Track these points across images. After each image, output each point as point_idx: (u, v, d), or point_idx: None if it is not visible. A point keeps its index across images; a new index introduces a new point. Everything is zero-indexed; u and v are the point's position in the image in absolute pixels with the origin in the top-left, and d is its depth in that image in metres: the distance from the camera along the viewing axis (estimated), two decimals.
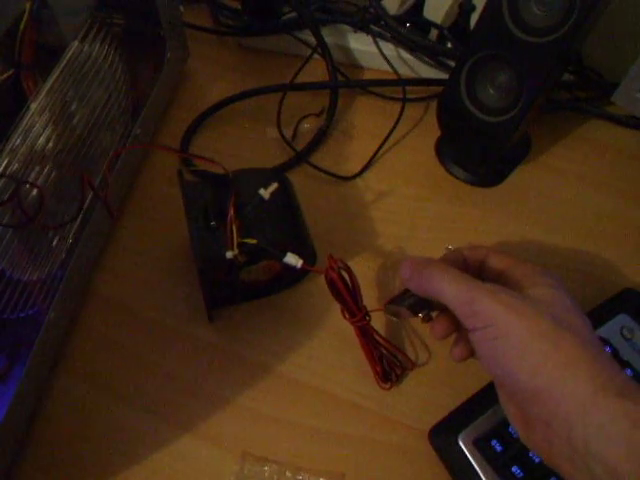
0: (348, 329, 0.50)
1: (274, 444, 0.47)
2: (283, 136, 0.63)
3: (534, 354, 0.34)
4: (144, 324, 0.52)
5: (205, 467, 0.46)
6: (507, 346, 0.35)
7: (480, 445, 0.44)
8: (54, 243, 0.47)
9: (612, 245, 0.57)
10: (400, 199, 0.60)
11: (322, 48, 0.66)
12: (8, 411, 0.42)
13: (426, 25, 0.68)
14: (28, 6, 0.43)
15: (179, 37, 0.66)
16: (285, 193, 0.50)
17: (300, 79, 0.66)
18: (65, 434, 0.47)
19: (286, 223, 0.48)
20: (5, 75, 0.45)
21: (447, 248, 0.45)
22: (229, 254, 0.44)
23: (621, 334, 0.48)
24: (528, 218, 0.59)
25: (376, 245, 0.57)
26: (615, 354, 0.47)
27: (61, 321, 0.48)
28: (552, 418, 0.33)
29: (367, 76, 0.71)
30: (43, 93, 0.45)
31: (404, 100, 0.65)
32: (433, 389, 0.49)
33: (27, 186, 0.43)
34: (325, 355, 0.51)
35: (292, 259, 0.45)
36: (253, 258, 0.46)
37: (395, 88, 0.67)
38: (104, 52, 0.52)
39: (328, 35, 0.68)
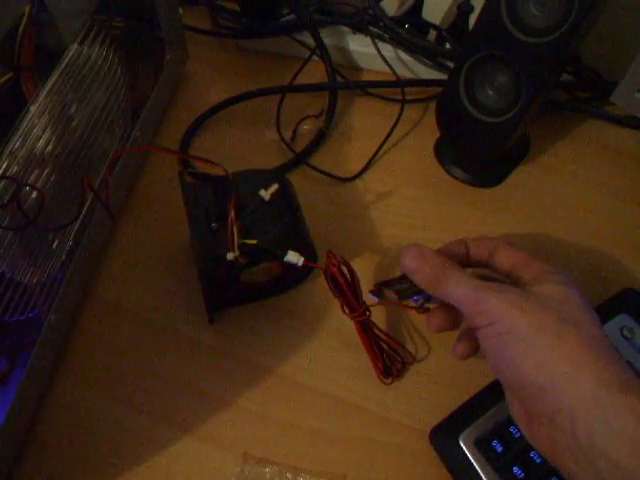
0: (348, 330, 0.51)
1: (275, 445, 0.47)
2: (282, 138, 0.63)
3: (538, 349, 0.34)
4: (144, 326, 0.52)
5: (206, 468, 0.46)
6: (511, 341, 0.35)
7: (481, 445, 0.44)
8: (54, 245, 0.47)
9: (612, 245, 0.57)
10: (399, 200, 0.60)
11: (321, 50, 0.66)
12: (8, 413, 0.42)
13: (425, 26, 0.68)
14: (27, 9, 0.43)
15: (178, 39, 0.66)
16: (285, 194, 0.50)
17: (299, 81, 0.66)
18: (65, 436, 0.47)
19: (286, 224, 0.48)
20: (4, 78, 0.45)
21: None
22: (230, 255, 0.44)
23: (621, 334, 0.48)
24: (527, 218, 0.59)
25: (375, 246, 0.57)
26: None
27: (61, 323, 0.48)
28: (556, 413, 0.33)
29: (366, 77, 0.71)
30: (42, 95, 0.45)
31: (403, 101, 0.65)
32: (434, 390, 0.49)
33: (27, 188, 0.43)
34: (325, 356, 0.51)
35: (293, 257, 0.45)
36: (254, 259, 0.46)
37: (394, 89, 0.67)
38: (103, 54, 0.52)
39: (327, 36, 0.68)
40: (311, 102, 0.67)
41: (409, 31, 0.67)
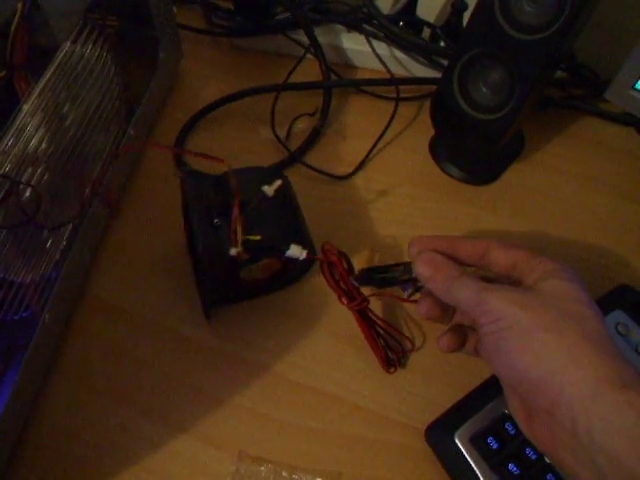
0: (343, 329, 0.51)
1: (270, 444, 0.47)
2: (277, 136, 0.63)
3: (538, 344, 0.34)
4: (139, 325, 0.52)
5: (201, 467, 0.46)
6: (512, 337, 0.35)
7: (476, 443, 0.44)
8: (48, 244, 0.47)
9: (607, 241, 0.57)
10: (394, 198, 0.60)
11: (315, 48, 0.66)
12: (3, 414, 0.41)
13: (419, 24, 0.69)
14: (20, 6, 0.43)
15: (172, 38, 0.66)
16: (286, 191, 0.50)
17: (293, 79, 0.66)
18: (61, 436, 0.47)
19: (286, 220, 0.49)
20: None
21: None
22: (233, 251, 0.44)
23: (616, 330, 0.48)
24: (522, 215, 0.59)
25: (370, 243, 0.57)
26: None
27: (56, 323, 0.48)
28: (555, 408, 0.33)
29: (360, 76, 0.71)
30: (35, 94, 0.45)
31: (397, 99, 0.65)
32: (429, 388, 0.49)
33: (21, 186, 0.43)
34: (321, 354, 0.51)
35: (296, 251, 0.45)
36: (256, 255, 0.46)
37: (388, 87, 0.67)
38: (97, 53, 0.52)
39: (321, 35, 0.68)
40: (306, 100, 0.66)
41: (403, 29, 0.67)
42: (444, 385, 0.49)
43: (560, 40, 0.49)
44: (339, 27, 0.71)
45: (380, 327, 0.49)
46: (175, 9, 0.65)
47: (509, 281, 0.40)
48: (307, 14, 0.68)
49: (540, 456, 0.43)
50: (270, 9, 0.71)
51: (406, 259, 0.44)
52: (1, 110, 0.44)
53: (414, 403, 0.48)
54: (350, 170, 0.61)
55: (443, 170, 0.62)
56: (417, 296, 0.45)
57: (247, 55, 0.73)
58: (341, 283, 0.46)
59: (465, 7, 0.65)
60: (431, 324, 0.44)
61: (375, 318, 0.48)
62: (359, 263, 0.54)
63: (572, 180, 0.62)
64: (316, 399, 0.49)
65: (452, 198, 0.60)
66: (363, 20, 0.69)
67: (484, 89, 0.55)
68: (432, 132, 0.63)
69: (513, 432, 0.44)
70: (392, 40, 0.68)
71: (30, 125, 0.45)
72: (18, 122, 0.44)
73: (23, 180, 0.44)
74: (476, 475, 0.43)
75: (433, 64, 0.68)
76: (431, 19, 0.67)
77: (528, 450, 0.43)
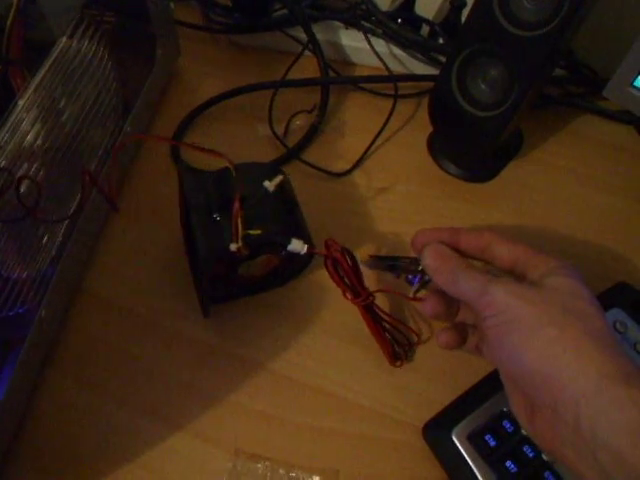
0: (341, 326, 0.51)
1: (267, 441, 0.47)
2: (275, 133, 0.63)
3: (541, 339, 0.34)
4: (136, 322, 0.52)
5: (198, 464, 0.46)
6: (515, 331, 0.35)
7: (474, 440, 0.44)
8: (44, 240, 0.47)
9: (605, 239, 0.57)
10: (392, 195, 0.60)
11: (313, 45, 0.66)
12: None
13: (417, 21, 0.68)
14: (15, 1, 0.43)
15: (170, 34, 0.66)
16: (285, 187, 0.50)
17: (291, 76, 0.66)
18: (56, 433, 0.47)
19: (286, 216, 0.48)
20: None
21: None
22: (233, 246, 0.44)
23: (614, 328, 0.48)
24: (520, 213, 0.59)
25: (368, 241, 0.56)
26: None
27: (52, 319, 0.48)
28: (558, 404, 0.33)
29: (359, 72, 0.71)
30: (31, 89, 0.45)
31: (396, 96, 0.65)
32: (427, 385, 0.49)
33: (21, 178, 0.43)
34: (318, 352, 0.51)
35: (297, 245, 0.45)
36: (256, 250, 0.46)
37: (387, 84, 0.67)
38: (93, 48, 0.52)
39: (319, 32, 0.68)
40: (303, 97, 0.66)
41: (402, 26, 0.67)
42: (442, 383, 0.49)
43: (559, 37, 0.49)
44: (337, 24, 0.71)
45: (386, 322, 0.49)
46: (173, 5, 0.65)
47: (512, 276, 0.41)
48: (305, 11, 0.67)
49: (538, 454, 0.43)
50: (268, 6, 0.71)
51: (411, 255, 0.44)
52: None
53: (412, 401, 0.48)
54: (348, 167, 0.61)
55: (441, 167, 0.62)
56: (423, 293, 0.45)
57: (245, 52, 0.73)
58: (345, 279, 0.46)
59: (464, 4, 0.65)
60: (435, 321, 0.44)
61: (381, 313, 0.48)
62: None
63: (571, 178, 0.62)
64: (313, 396, 0.49)
65: (450, 195, 0.60)
66: (361, 17, 0.68)
67: (482, 86, 0.55)
68: (430, 129, 0.62)
69: (511, 430, 0.44)
70: (390, 37, 0.68)
71: (26, 120, 0.45)
72: (14, 117, 0.44)
73: (20, 175, 0.44)
74: (473, 472, 0.43)
75: (431, 61, 0.67)
76: (430, 16, 0.67)
77: (526, 447, 0.43)
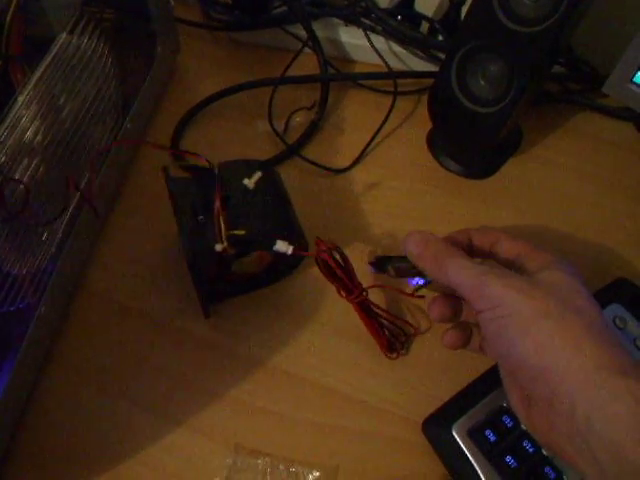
0: (340, 321, 0.51)
1: (267, 437, 0.47)
2: (274, 130, 0.63)
3: (539, 332, 0.34)
4: (136, 319, 0.52)
5: (198, 460, 0.46)
6: (513, 324, 0.35)
7: (474, 435, 0.44)
8: (44, 237, 0.47)
9: (604, 235, 0.57)
10: (392, 191, 0.60)
11: (313, 42, 0.66)
12: None
13: (417, 18, 0.68)
14: None
15: (170, 32, 0.66)
16: (271, 183, 0.50)
17: (291, 73, 0.66)
18: (56, 429, 0.47)
19: (274, 213, 0.48)
20: None
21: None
22: (218, 247, 0.44)
23: (614, 323, 0.48)
24: (520, 209, 0.59)
25: (368, 237, 0.56)
26: None
27: (52, 315, 0.48)
28: (555, 396, 0.33)
29: (358, 69, 0.71)
30: (31, 85, 0.45)
31: (395, 93, 0.65)
32: (427, 381, 0.49)
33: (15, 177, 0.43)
34: (318, 347, 0.51)
35: (282, 246, 0.45)
36: (243, 249, 0.46)
37: (386, 81, 0.67)
38: (93, 45, 0.52)
39: (319, 29, 0.68)
40: (303, 94, 0.66)
41: (401, 23, 0.67)
42: (442, 378, 0.49)
43: (558, 32, 0.49)
44: (337, 21, 0.70)
45: (381, 317, 0.49)
46: (172, 2, 0.64)
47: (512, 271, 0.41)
48: (305, 8, 0.67)
49: (538, 449, 0.43)
50: (268, 3, 0.71)
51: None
52: None
53: (412, 396, 0.48)
54: (348, 164, 0.61)
55: (441, 164, 0.62)
56: (421, 292, 0.45)
57: (245, 49, 0.73)
58: (338, 277, 0.46)
59: (463, 1, 0.65)
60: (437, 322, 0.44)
61: (375, 308, 0.48)
62: (357, 256, 0.54)
63: (570, 174, 0.62)
64: (313, 392, 0.49)
65: (450, 192, 0.60)
66: (361, 14, 0.68)
67: (482, 82, 0.55)
68: (430, 126, 0.62)
69: (510, 425, 0.44)
70: (390, 34, 0.68)
71: (26, 116, 0.45)
72: (13, 113, 0.44)
73: (18, 172, 0.44)
74: (473, 468, 0.43)
75: (431, 58, 0.67)
76: (429, 13, 0.67)
77: (525, 443, 0.43)
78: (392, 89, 0.65)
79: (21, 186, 0.43)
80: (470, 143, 0.59)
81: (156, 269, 0.54)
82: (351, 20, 0.70)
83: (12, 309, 0.44)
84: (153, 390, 0.49)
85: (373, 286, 0.48)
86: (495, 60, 0.53)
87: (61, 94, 0.49)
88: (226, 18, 0.73)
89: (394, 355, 0.49)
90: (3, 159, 0.42)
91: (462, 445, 0.44)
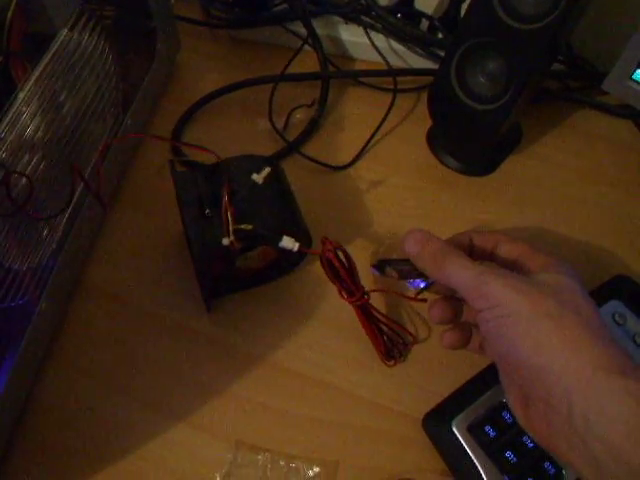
0: (341, 318, 0.51)
1: (267, 433, 0.47)
2: (274, 127, 0.63)
3: (537, 331, 0.34)
4: (137, 315, 0.52)
5: (199, 456, 0.46)
6: (511, 324, 0.35)
7: (474, 431, 0.44)
8: (45, 233, 0.47)
9: (604, 232, 0.57)
10: (392, 189, 0.60)
11: (313, 39, 0.66)
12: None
13: (417, 16, 0.68)
14: None
15: (170, 29, 0.66)
16: (277, 179, 0.50)
17: (291, 70, 0.66)
18: (56, 424, 0.47)
19: (280, 208, 0.48)
20: None
21: None
22: (225, 241, 0.44)
23: (613, 320, 0.49)
24: (520, 206, 0.59)
25: (368, 234, 0.57)
26: None
27: (52, 311, 0.48)
28: (552, 395, 0.34)
29: (358, 67, 0.71)
30: (32, 81, 0.45)
31: (395, 90, 0.65)
32: (426, 377, 0.49)
33: (15, 175, 0.43)
34: (318, 344, 0.51)
35: (288, 242, 0.45)
36: (249, 244, 0.46)
37: (386, 79, 0.67)
38: (94, 41, 0.52)
39: (319, 26, 0.68)
40: (303, 92, 0.66)
41: (401, 21, 0.67)
42: (441, 375, 0.49)
43: (558, 29, 0.49)
44: (337, 19, 0.71)
45: (381, 322, 0.48)
46: (173, 0, 0.65)
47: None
48: (305, 5, 0.67)
49: (537, 444, 0.43)
50: (268, 0, 0.71)
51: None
52: None
53: (412, 392, 0.48)
54: (348, 161, 0.61)
55: (440, 161, 0.62)
56: (423, 295, 0.45)
57: (245, 46, 0.73)
58: (341, 278, 0.46)
59: None
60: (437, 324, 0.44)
61: (376, 313, 0.48)
62: (356, 253, 0.54)
63: (569, 172, 0.62)
64: (313, 388, 0.49)
65: (449, 189, 0.60)
66: (361, 11, 0.69)
67: (482, 79, 0.55)
68: (429, 123, 0.62)
69: (510, 420, 0.44)
70: (390, 32, 0.68)
71: (26, 113, 0.45)
72: (14, 109, 0.44)
73: (19, 168, 0.44)
74: (473, 463, 0.43)
75: (431, 56, 0.68)
76: (429, 10, 0.67)
77: (525, 438, 0.44)
78: (392, 87, 0.65)
79: (23, 179, 0.43)
80: (470, 140, 0.59)
81: (156, 265, 0.55)
82: (351, 18, 0.70)
83: (12, 305, 0.44)
84: (153, 386, 0.49)
85: (375, 290, 0.47)
86: (495, 57, 0.53)
87: (61, 91, 0.49)
88: (226, 16, 0.73)
89: (392, 363, 0.49)
90: (4, 155, 0.42)
91: (462, 441, 0.44)
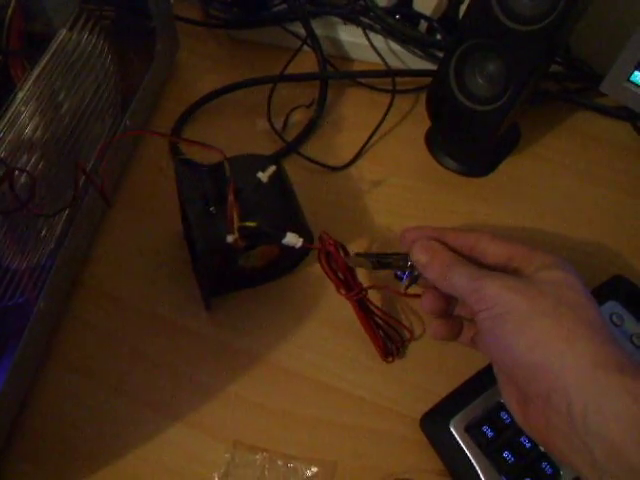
0: (339, 318, 0.51)
1: (265, 433, 0.47)
2: (273, 127, 0.63)
3: (534, 329, 0.34)
4: (135, 314, 0.52)
5: (196, 456, 0.46)
6: (508, 323, 0.35)
7: (471, 431, 0.44)
8: (43, 232, 0.47)
9: (601, 233, 0.57)
10: (390, 189, 0.60)
11: (312, 40, 0.66)
12: None
13: (416, 17, 0.68)
14: None
15: (169, 29, 0.66)
16: (280, 178, 0.50)
17: (290, 71, 0.66)
18: (55, 423, 0.47)
19: (283, 207, 0.49)
20: None
21: None
22: (230, 238, 0.44)
23: (611, 321, 0.49)
24: (517, 207, 0.59)
25: (365, 235, 0.57)
26: None
27: (51, 310, 0.48)
28: (551, 394, 0.33)
29: (357, 68, 0.71)
30: (31, 80, 0.45)
31: (394, 91, 0.65)
32: (424, 377, 0.49)
33: (16, 173, 0.43)
34: (316, 344, 0.51)
35: (292, 239, 0.45)
36: (252, 242, 0.46)
37: (385, 80, 0.67)
38: (93, 41, 0.52)
39: (318, 27, 0.68)
40: (302, 92, 0.66)
41: (400, 22, 0.67)
42: (440, 375, 0.49)
43: (556, 31, 0.49)
44: (336, 19, 0.71)
45: (378, 317, 0.49)
46: (172, 0, 0.65)
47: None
48: (304, 6, 0.68)
49: (535, 444, 0.43)
50: (267, 1, 0.71)
51: (401, 251, 0.44)
52: None
53: (410, 392, 0.49)
54: (346, 161, 0.61)
55: (439, 162, 0.62)
56: (414, 289, 0.45)
57: (244, 47, 0.73)
58: (339, 273, 0.46)
59: (462, 0, 0.65)
60: (429, 315, 0.44)
61: (373, 308, 0.48)
62: (350, 251, 0.54)
63: (567, 173, 0.62)
64: (312, 388, 0.49)
65: (448, 190, 0.60)
66: (360, 12, 0.69)
67: (480, 80, 0.55)
68: (428, 124, 0.63)
69: (508, 420, 0.44)
70: (389, 32, 0.68)
71: (25, 112, 0.45)
72: (13, 109, 0.44)
73: (18, 167, 0.44)
74: (471, 463, 0.43)
75: (429, 57, 0.68)
76: (428, 12, 0.67)
77: (523, 438, 0.44)
78: (391, 87, 0.65)
79: (22, 179, 0.43)
80: (468, 141, 0.59)
81: (155, 264, 0.55)
82: (350, 19, 0.70)
83: (11, 304, 0.44)
84: (152, 385, 0.49)
85: (371, 287, 0.48)
86: (493, 58, 0.53)
87: (60, 90, 0.49)
88: (225, 16, 0.73)
89: (390, 359, 0.49)
90: (3, 154, 0.42)
91: (460, 441, 0.44)
